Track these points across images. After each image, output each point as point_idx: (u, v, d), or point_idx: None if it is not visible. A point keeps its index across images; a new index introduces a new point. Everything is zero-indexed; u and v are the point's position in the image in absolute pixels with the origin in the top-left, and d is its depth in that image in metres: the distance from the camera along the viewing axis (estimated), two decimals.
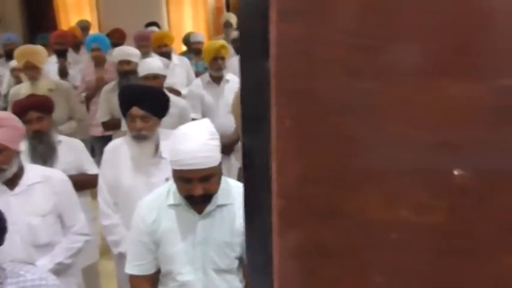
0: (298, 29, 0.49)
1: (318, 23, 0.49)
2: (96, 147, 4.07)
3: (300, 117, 0.51)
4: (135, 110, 2.15)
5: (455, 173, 0.53)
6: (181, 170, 1.50)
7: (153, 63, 3.10)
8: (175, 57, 4.57)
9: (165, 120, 2.37)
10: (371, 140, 0.54)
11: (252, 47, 0.52)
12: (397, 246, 0.59)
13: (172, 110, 2.66)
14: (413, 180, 0.54)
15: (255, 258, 0.58)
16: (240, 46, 0.55)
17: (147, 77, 2.97)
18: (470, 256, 0.56)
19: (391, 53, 0.51)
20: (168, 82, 3.63)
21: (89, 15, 7.06)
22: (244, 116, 0.55)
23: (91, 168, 2.54)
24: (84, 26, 6.04)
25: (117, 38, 4.98)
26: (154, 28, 5.95)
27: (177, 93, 3.77)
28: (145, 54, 4.10)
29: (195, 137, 1.48)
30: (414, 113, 0.52)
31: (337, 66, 0.51)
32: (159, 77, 3.03)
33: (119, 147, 2.31)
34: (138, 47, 4.37)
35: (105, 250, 3.01)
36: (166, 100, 2.31)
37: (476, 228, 0.56)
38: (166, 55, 4.34)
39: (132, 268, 1.68)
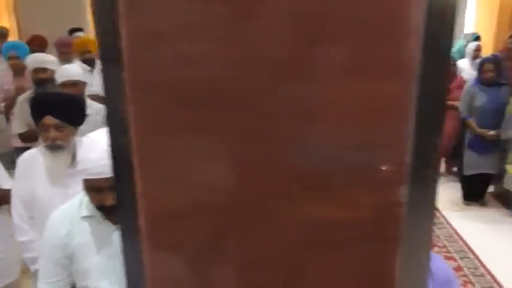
0: (148, 22, 0.47)
1: (169, 15, 0.48)
2: (17, 158, 3.85)
3: (158, 113, 0.50)
4: (48, 119, 2.05)
5: (383, 168, 0.55)
6: (90, 179, 1.44)
7: (71, 70, 2.98)
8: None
9: (86, 128, 2.26)
10: (252, 135, 0.54)
11: (106, 42, 0.50)
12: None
13: (94, 117, 2.56)
14: (344, 178, 0.55)
15: (128, 261, 0.56)
16: (97, 43, 0.52)
17: (65, 84, 2.85)
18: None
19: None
20: (93, 89, 3.50)
21: (7, 21, 6.68)
22: (107, 114, 0.53)
23: (4, 182, 2.39)
24: (1, 33, 5.71)
25: (37, 45, 4.73)
26: (80, 34, 5.73)
27: (102, 100, 3.64)
28: (67, 62, 3.94)
29: (105, 144, 1.42)
30: (337, 112, 0.53)
31: (189, 58, 0.50)
32: (78, 84, 2.91)
33: (34, 157, 2.19)
34: (60, 53, 4.20)
35: (27, 267, 2.84)
36: (83, 107, 2.22)
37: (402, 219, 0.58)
38: (90, 62, 4.19)
39: (43, 286, 1.58)
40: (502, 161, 4.26)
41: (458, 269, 3.56)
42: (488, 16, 7.32)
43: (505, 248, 3.82)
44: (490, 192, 4.77)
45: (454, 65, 5.03)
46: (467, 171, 4.51)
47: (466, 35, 6.39)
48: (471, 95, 4.39)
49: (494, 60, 4.40)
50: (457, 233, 4.10)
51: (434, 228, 4.27)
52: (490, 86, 4.33)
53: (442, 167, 5.51)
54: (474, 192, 4.70)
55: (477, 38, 6.18)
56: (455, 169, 5.16)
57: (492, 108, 4.28)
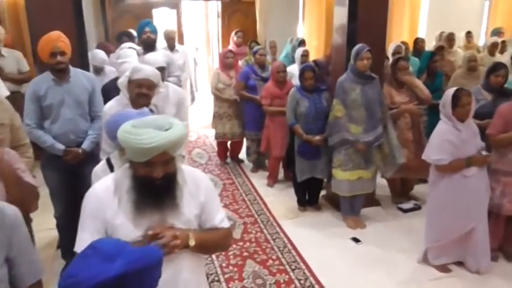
0: None
1: None
2: None
3: None
4: None
5: None
6: None
7: None
8: None
9: None
10: None
11: None
12: None
13: None
14: None
15: None
16: None
17: None
18: None
19: None
20: None
21: None
22: None
23: None
24: None
25: None
26: None
27: None
28: None
29: None
30: None
31: None
32: None
33: None
34: None
35: None
36: None
37: None
38: None
39: None
40: (330, 165, 4.31)
41: (289, 282, 3.45)
42: (317, 22, 7.66)
43: (333, 254, 3.83)
44: (323, 196, 4.83)
45: (284, 71, 5.03)
46: (299, 177, 4.50)
47: (292, 40, 6.50)
48: (296, 102, 4.38)
49: (312, 68, 4.45)
50: (291, 243, 4.02)
51: (270, 239, 4.19)
52: (312, 92, 4.37)
53: (281, 174, 5.51)
54: (308, 197, 4.72)
55: (301, 42, 6.31)
56: None
57: (315, 114, 4.32)
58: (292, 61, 5.88)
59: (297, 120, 4.41)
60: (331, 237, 4.13)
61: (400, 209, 4.67)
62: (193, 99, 9.03)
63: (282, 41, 6.87)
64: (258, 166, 5.77)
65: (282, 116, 4.76)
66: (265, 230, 4.26)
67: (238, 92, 5.48)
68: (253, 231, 4.24)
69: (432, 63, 5.05)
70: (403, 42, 6.82)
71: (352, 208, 4.38)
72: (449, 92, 3.29)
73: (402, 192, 4.86)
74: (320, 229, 4.29)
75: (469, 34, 7.60)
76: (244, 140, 5.91)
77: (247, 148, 5.78)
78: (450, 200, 3.38)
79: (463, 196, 3.33)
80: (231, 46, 6.89)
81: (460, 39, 7.60)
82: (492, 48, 6.36)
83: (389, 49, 5.93)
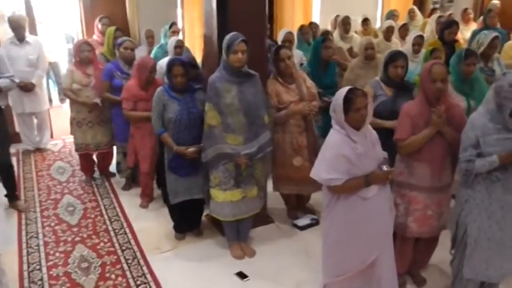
0: None
1: None
2: None
3: None
4: None
5: None
6: None
7: None
8: None
9: None
10: None
11: None
12: None
13: None
14: None
15: None
16: None
17: None
18: None
19: None
20: None
21: None
22: None
23: None
24: None
25: None
26: None
27: None
28: None
29: None
30: None
31: None
32: None
33: None
34: None
35: None
36: None
37: None
38: None
39: None
40: (207, 183, 3.46)
41: None
42: (200, 6, 6.75)
43: None
44: (206, 215, 3.98)
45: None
46: (173, 199, 3.60)
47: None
48: (162, 105, 3.45)
49: (183, 62, 3.49)
50: None
51: (133, 285, 3.20)
52: (183, 93, 3.45)
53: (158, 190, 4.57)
54: (187, 221, 3.86)
55: (172, 25, 5.34)
56: None
57: (188, 120, 3.41)
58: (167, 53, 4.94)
59: (165, 128, 3.49)
60: (212, 275, 3.31)
61: (296, 225, 3.99)
62: (62, 100, 7.73)
63: (159, 30, 5.86)
64: (132, 182, 4.77)
65: (149, 123, 3.83)
66: (128, 273, 3.33)
67: (101, 94, 4.43)
68: (113, 276, 3.29)
69: (323, 51, 4.39)
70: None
71: (238, 233, 3.60)
72: (340, 93, 2.58)
73: (298, 204, 4.19)
74: (200, 264, 3.45)
75: (365, 22, 7.14)
76: (115, 153, 4.88)
77: (118, 163, 4.76)
78: (348, 228, 2.70)
79: (363, 222, 2.66)
80: (96, 35, 5.77)
81: (357, 23, 7.12)
82: (388, 33, 5.90)
83: (280, 37, 5.20)
